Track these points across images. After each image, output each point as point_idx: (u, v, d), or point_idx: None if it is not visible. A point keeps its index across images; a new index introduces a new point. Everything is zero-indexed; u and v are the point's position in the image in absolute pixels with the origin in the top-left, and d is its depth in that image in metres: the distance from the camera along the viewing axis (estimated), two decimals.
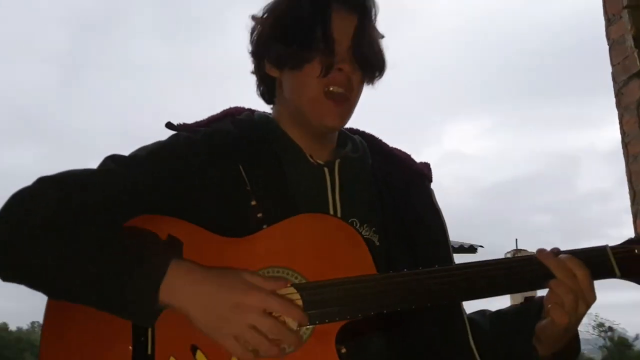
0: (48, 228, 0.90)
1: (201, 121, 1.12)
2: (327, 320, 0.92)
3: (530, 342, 1.03)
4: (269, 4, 1.11)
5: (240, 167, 1.03)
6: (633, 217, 1.99)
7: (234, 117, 1.13)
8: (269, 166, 1.05)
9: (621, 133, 2.06)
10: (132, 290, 0.86)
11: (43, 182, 0.96)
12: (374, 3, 1.11)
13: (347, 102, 1.06)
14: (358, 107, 1.11)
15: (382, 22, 1.14)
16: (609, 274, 0.96)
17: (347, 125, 1.19)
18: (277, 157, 1.07)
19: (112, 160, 1.01)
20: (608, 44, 2.15)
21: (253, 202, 1.00)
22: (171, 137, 1.07)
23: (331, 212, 1.06)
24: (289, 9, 1.07)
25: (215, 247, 0.96)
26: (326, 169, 1.08)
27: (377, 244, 1.07)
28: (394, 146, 1.23)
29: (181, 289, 0.87)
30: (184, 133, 1.07)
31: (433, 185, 1.21)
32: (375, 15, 1.11)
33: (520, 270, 0.97)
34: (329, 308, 0.92)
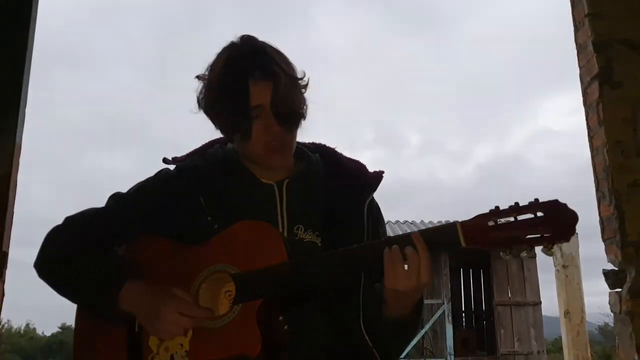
0: (66, 258, 1.36)
1: (182, 156, 1.48)
2: (249, 299, 1.25)
3: (381, 305, 1.28)
4: (209, 66, 1.38)
5: (199, 193, 1.37)
6: (597, 203, 2.24)
7: (206, 150, 1.49)
8: (222, 190, 1.38)
9: (587, 128, 2.31)
10: (104, 303, 1.31)
11: (66, 222, 1.42)
12: (281, 61, 1.35)
13: (285, 146, 1.37)
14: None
15: None
16: (456, 244, 1.18)
17: (313, 140, 1.51)
18: (230, 182, 1.39)
19: (112, 200, 1.43)
20: (576, 48, 2.39)
21: (209, 218, 1.34)
22: (157, 173, 1.46)
23: (279, 221, 1.36)
24: (217, 85, 1.34)
25: (180, 254, 1.35)
26: (276, 187, 1.39)
27: (319, 245, 1.36)
28: (351, 158, 1.50)
29: (129, 302, 1.29)
30: (165, 169, 1.46)
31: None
32: (288, 74, 1.34)
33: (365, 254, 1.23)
34: (250, 290, 1.25)
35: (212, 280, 1.30)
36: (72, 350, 1.42)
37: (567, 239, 1.13)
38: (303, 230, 1.36)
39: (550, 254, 1.24)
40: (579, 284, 5.39)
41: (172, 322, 1.23)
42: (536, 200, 1.15)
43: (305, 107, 1.39)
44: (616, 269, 2.14)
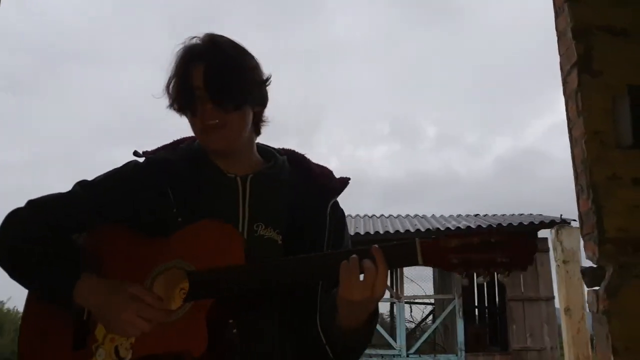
0: (25, 243, 1.35)
1: (153, 149, 1.49)
2: (201, 298, 1.25)
3: (334, 313, 1.27)
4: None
5: (168, 185, 1.38)
6: (576, 196, 2.14)
7: (177, 145, 1.51)
8: (189, 183, 1.40)
9: (567, 118, 2.21)
10: (58, 294, 1.30)
11: (28, 205, 1.40)
12: (228, 48, 1.39)
13: (223, 128, 1.37)
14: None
15: None
16: (414, 261, 1.19)
17: (284, 146, 1.55)
18: (196, 175, 1.41)
19: (79, 186, 1.42)
20: (556, 35, 2.29)
21: (174, 210, 1.35)
22: (125, 164, 1.46)
23: (240, 215, 1.37)
24: (170, 70, 1.41)
25: (141, 245, 1.35)
26: (239, 181, 1.41)
27: (280, 242, 1.38)
28: (320, 164, 1.53)
29: (84, 298, 1.29)
30: (134, 160, 1.46)
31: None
32: (230, 56, 1.38)
33: (324, 264, 1.24)
34: (203, 289, 1.25)
35: (168, 275, 1.30)
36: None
37: (524, 268, 1.17)
38: (264, 226, 1.38)
39: (505, 281, 1.26)
40: (580, 279, 5.24)
41: (131, 324, 1.23)
42: (499, 225, 1.20)
43: (250, 92, 1.40)
44: (595, 266, 2.04)
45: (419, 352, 12.06)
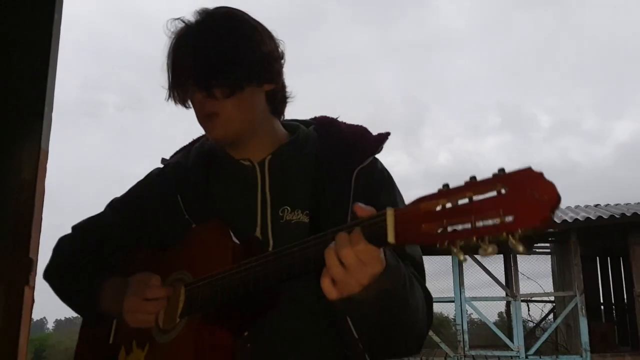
0: (64, 267, 1.41)
1: (172, 155, 1.46)
2: (195, 312, 1.14)
3: None
4: None
5: (177, 192, 1.31)
6: None
7: (192, 146, 1.43)
8: (201, 184, 1.31)
9: None
10: (87, 306, 1.35)
11: (72, 231, 1.46)
12: (219, 25, 1.24)
13: (217, 117, 1.23)
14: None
15: None
16: (382, 241, 0.88)
17: (311, 115, 1.42)
18: (210, 173, 1.32)
19: (109, 205, 1.45)
20: None
21: (185, 217, 1.27)
22: (148, 174, 1.44)
23: (259, 204, 1.25)
24: (165, 64, 1.30)
25: (156, 258, 1.30)
26: (257, 168, 1.28)
27: (307, 223, 1.21)
28: (354, 124, 1.34)
29: (107, 301, 1.27)
30: (157, 168, 1.44)
31: None
32: (220, 35, 1.23)
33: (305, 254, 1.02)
34: (195, 302, 1.15)
35: (173, 288, 1.22)
36: None
37: (537, 224, 0.74)
38: (290, 210, 1.23)
39: (524, 251, 0.77)
40: None
41: (138, 310, 1.18)
42: (501, 170, 0.79)
43: (249, 72, 1.23)
44: None
45: (539, 353, 11.36)
